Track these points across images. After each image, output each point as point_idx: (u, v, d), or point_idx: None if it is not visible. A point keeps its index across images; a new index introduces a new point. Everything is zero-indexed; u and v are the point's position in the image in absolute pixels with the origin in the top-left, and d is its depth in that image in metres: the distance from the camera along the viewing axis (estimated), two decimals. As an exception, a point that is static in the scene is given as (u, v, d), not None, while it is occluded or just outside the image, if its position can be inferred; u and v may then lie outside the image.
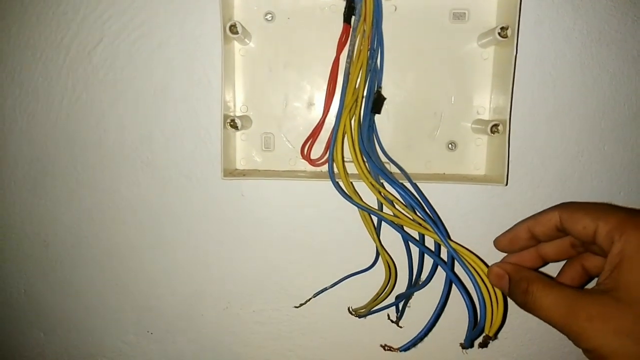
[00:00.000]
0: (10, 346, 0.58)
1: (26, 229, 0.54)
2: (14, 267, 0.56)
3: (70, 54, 0.50)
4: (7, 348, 0.58)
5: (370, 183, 0.43)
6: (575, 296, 0.28)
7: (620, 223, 0.28)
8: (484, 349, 0.37)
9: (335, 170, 0.45)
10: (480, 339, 0.37)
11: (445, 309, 0.41)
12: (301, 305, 0.53)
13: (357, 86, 0.44)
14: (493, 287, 0.36)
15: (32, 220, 0.54)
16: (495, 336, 0.36)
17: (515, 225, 0.37)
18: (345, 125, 0.44)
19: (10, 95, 0.52)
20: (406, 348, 0.40)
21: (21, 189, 0.53)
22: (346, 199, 0.44)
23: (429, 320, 0.39)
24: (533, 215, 0.36)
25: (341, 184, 0.45)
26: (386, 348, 0.42)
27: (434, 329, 0.40)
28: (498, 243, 0.39)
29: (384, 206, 0.45)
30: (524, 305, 0.31)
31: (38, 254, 0.55)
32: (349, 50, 0.44)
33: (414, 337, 0.39)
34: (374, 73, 0.45)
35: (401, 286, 0.49)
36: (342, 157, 0.44)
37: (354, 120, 0.45)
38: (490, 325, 0.36)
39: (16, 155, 0.53)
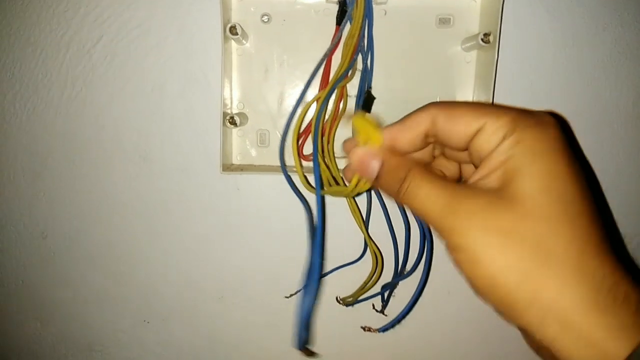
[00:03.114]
0: (6, 336, 0.59)
1: (25, 221, 0.55)
2: (13, 259, 0.57)
3: (70, 51, 0.51)
4: (3, 337, 0.59)
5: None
6: (456, 190, 0.24)
7: (513, 120, 0.24)
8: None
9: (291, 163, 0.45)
10: None
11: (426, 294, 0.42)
12: (291, 295, 0.55)
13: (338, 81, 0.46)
14: None
15: (31, 213, 0.55)
16: None
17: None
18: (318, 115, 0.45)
19: (10, 90, 0.53)
20: (385, 329, 0.42)
21: (20, 182, 0.55)
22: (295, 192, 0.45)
23: (407, 304, 0.41)
24: (398, 122, 0.28)
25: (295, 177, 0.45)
26: (366, 329, 0.44)
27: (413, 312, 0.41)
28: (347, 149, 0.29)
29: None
30: (397, 196, 0.26)
31: (36, 246, 0.56)
32: (331, 44, 0.46)
33: (393, 319, 0.42)
34: (365, 73, 0.48)
35: (386, 276, 0.51)
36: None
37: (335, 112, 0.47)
38: None
39: (16, 148, 0.54)
